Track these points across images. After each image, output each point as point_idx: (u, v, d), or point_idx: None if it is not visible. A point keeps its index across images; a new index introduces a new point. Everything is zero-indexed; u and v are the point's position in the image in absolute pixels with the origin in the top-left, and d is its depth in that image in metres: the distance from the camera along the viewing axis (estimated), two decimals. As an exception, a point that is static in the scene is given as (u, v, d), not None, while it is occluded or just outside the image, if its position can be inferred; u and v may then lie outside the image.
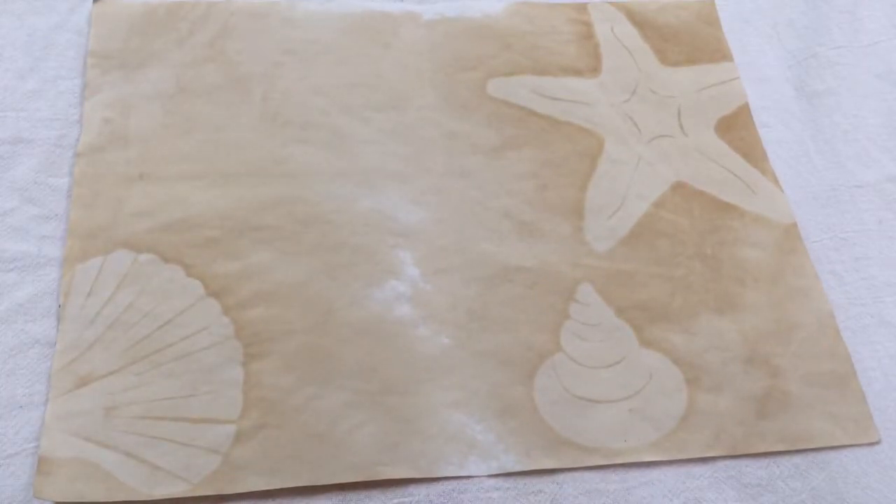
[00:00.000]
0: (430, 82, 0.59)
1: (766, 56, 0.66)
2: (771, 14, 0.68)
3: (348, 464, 0.45)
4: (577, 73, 0.62)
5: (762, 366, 0.50)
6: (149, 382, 0.46)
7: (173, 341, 0.47)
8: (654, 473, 0.47)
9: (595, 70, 0.62)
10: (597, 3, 0.66)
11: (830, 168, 0.60)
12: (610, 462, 0.46)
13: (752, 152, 0.60)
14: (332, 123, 0.56)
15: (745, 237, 0.55)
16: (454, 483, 0.45)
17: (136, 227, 0.50)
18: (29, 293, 0.48)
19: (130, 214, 0.51)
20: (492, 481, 0.46)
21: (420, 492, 0.45)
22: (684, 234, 0.55)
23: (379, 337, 0.49)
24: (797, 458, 0.48)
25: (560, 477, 0.46)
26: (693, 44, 0.65)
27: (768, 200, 0.57)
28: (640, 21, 0.65)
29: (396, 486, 0.45)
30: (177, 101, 0.56)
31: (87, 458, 0.43)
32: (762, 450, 0.48)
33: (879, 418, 0.50)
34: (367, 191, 0.54)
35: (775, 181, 0.58)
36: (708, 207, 0.56)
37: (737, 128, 0.61)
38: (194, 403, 0.45)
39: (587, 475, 0.46)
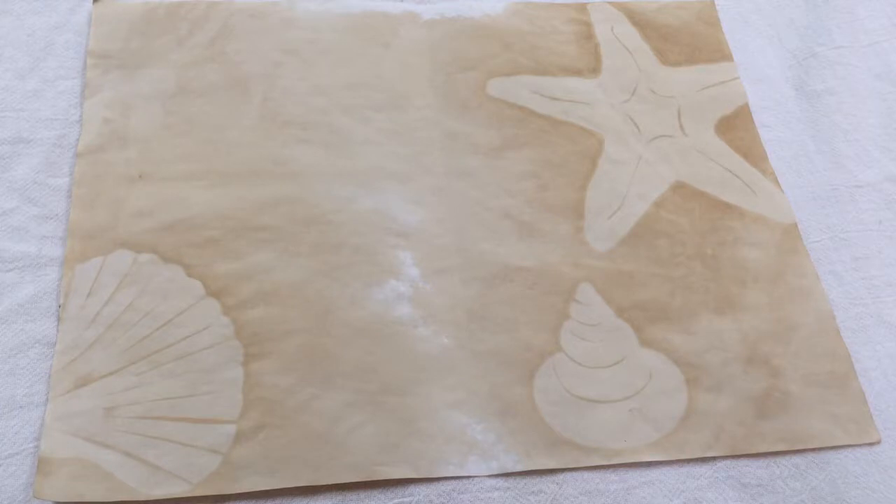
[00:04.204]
0: (430, 82, 0.59)
1: (766, 56, 0.66)
2: (771, 14, 0.68)
3: (348, 464, 0.45)
4: (577, 73, 0.62)
5: (762, 366, 0.50)
6: (149, 382, 0.46)
7: (173, 341, 0.47)
8: (654, 473, 0.47)
9: (595, 70, 0.62)
10: (597, 3, 0.66)
11: (830, 168, 0.60)
12: (610, 462, 0.46)
13: (752, 152, 0.60)
14: (332, 123, 0.56)
15: (745, 237, 0.55)
16: (454, 483, 0.45)
17: (136, 227, 0.50)
18: (29, 293, 0.48)
19: (130, 214, 0.51)
20: (492, 481, 0.46)
21: (420, 492, 0.45)
22: (684, 234, 0.55)
23: (379, 337, 0.49)
24: (797, 458, 0.48)
25: (560, 477, 0.46)
26: (693, 44, 0.65)
27: (768, 200, 0.57)
28: (640, 21, 0.65)
29: (396, 486, 0.45)
30: (177, 101, 0.56)
31: (87, 458, 0.43)
32: (762, 450, 0.48)
33: (879, 418, 0.50)
34: (367, 191, 0.54)
35: (775, 181, 0.58)
36: (708, 207, 0.56)
37: (737, 128, 0.61)
38: (194, 403, 0.45)
39: (587, 475, 0.46)
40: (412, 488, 0.45)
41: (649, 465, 0.47)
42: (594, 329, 0.51)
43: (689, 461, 0.47)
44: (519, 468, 0.46)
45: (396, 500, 0.45)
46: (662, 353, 0.50)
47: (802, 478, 0.47)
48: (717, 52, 0.65)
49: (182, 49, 0.58)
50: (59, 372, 0.45)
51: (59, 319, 0.47)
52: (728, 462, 0.48)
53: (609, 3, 0.66)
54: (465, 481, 0.45)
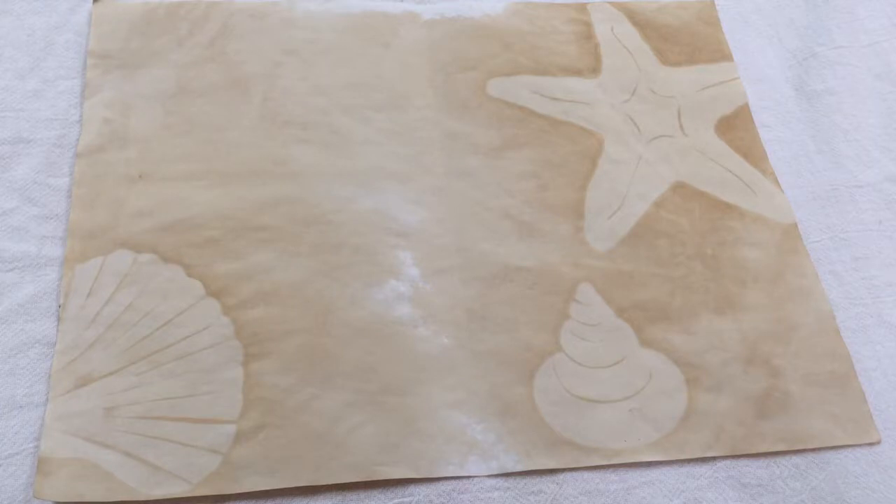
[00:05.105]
0: (430, 82, 0.59)
1: (766, 56, 0.66)
2: (771, 14, 0.68)
3: (348, 464, 0.45)
4: (577, 73, 0.62)
5: (762, 366, 0.50)
6: (149, 382, 0.46)
7: (173, 341, 0.47)
8: (654, 473, 0.47)
9: (595, 70, 0.62)
10: (597, 3, 0.66)
11: (830, 168, 0.60)
12: (610, 462, 0.46)
13: (752, 152, 0.60)
14: (332, 123, 0.56)
15: (745, 237, 0.55)
16: (454, 483, 0.45)
17: (136, 227, 0.50)
18: (29, 293, 0.48)
19: (130, 214, 0.51)
20: (492, 481, 0.46)
21: (420, 492, 0.45)
22: (684, 234, 0.55)
23: (379, 337, 0.49)
24: (797, 458, 0.48)
25: (560, 477, 0.46)
26: (693, 44, 0.65)
27: (768, 200, 0.57)
28: (640, 21, 0.65)
29: (396, 486, 0.45)
30: (177, 101, 0.56)
31: (86, 458, 0.43)
32: (762, 450, 0.48)
33: (879, 418, 0.50)
34: (367, 191, 0.54)
35: (775, 181, 0.58)
36: (708, 207, 0.56)
37: (737, 128, 0.61)
38: (194, 403, 0.45)
39: (587, 475, 0.46)
40: (412, 488, 0.45)
41: (649, 465, 0.47)
42: (594, 329, 0.51)
43: (689, 461, 0.47)
44: (519, 468, 0.46)
45: (396, 500, 0.45)
46: (662, 353, 0.50)
47: (802, 478, 0.47)
48: (717, 52, 0.65)
49: (182, 49, 0.58)
50: (59, 372, 0.45)
51: (59, 319, 0.47)
52: (728, 462, 0.48)
53: (609, 3, 0.66)
54: (465, 481, 0.45)
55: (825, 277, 0.55)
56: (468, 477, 0.46)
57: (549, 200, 0.55)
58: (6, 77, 0.56)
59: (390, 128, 0.57)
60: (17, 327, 0.47)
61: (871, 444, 0.49)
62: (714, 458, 0.48)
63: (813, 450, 0.48)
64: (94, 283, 0.48)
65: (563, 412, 0.48)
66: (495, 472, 0.46)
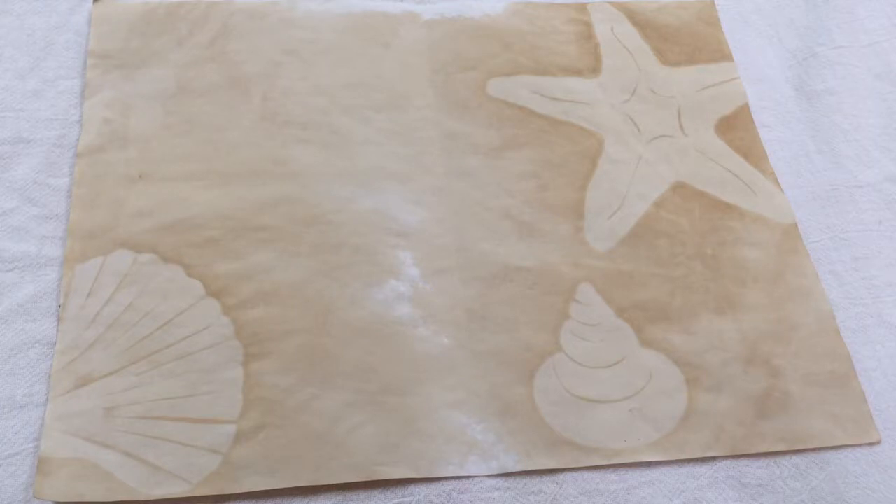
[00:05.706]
0: (430, 82, 0.59)
1: (766, 56, 0.66)
2: (771, 14, 0.68)
3: (348, 464, 0.45)
4: (577, 73, 0.62)
5: (762, 366, 0.50)
6: (149, 382, 0.46)
7: (173, 341, 0.47)
8: (654, 473, 0.47)
9: (595, 70, 0.62)
10: (597, 3, 0.66)
11: (830, 168, 0.60)
12: (610, 462, 0.46)
13: (752, 152, 0.60)
14: (332, 123, 0.56)
15: (745, 237, 0.55)
16: (454, 483, 0.45)
17: (136, 227, 0.50)
18: (29, 293, 0.48)
19: (130, 214, 0.51)
20: (492, 481, 0.46)
21: (420, 492, 0.45)
22: (684, 234, 0.55)
23: (379, 337, 0.49)
24: (797, 458, 0.48)
25: (560, 477, 0.46)
26: (693, 44, 0.65)
27: (768, 200, 0.57)
28: (640, 21, 0.65)
29: (396, 486, 0.45)
30: (177, 101, 0.56)
31: (86, 458, 0.43)
32: (762, 450, 0.48)
33: (879, 418, 0.50)
34: (367, 191, 0.54)
35: (775, 181, 0.58)
36: (708, 207, 0.56)
37: (737, 128, 0.61)
38: (194, 403, 0.45)
39: (587, 475, 0.46)
40: (412, 488, 0.45)
41: (649, 465, 0.47)
42: (594, 329, 0.51)
43: (689, 461, 0.47)
44: (519, 468, 0.46)
45: (396, 500, 0.45)
46: (662, 353, 0.50)
47: (802, 478, 0.47)
48: (717, 52, 0.65)
49: (182, 49, 0.58)
50: (59, 372, 0.45)
51: (59, 319, 0.47)
52: (728, 462, 0.48)
53: (609, 3, 0.66)
54: (465, 481, 0.45)
55: (825, 277, 0.55)
56: (468, 477, 0.46)
57: (549, 200, 0.55)
58: (6, 77, 0.56)
59: (390, 128, 0.57)
60: (17, 327, 0.47)
61: (871, 444, 0.49)
62: (714, 458, 0.48)
63: (813, 450, 0.48)
64: (94, 283, 0.48)
65: (563, 412, 0.48)
66: (495, 472, 0.46)
